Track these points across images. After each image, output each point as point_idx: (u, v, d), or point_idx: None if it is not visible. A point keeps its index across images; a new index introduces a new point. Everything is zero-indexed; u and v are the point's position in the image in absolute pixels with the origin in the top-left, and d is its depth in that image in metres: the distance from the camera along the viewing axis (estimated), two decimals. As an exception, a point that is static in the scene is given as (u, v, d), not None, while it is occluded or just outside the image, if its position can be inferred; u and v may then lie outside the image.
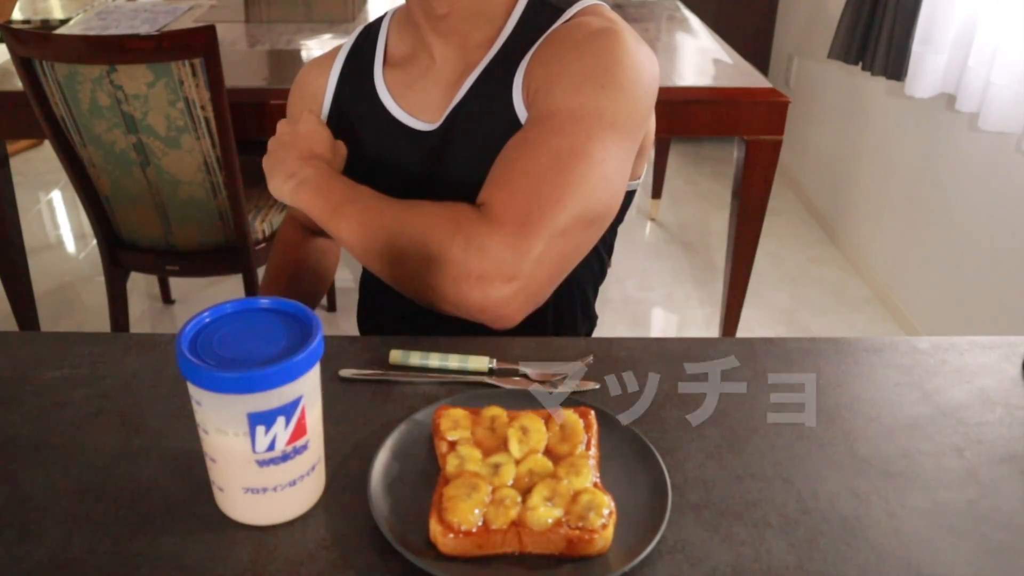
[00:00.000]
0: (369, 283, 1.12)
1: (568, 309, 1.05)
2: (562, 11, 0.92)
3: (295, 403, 0.58)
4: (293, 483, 0.62)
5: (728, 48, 2.20)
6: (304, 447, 0.61)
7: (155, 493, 0.65)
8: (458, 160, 0.93)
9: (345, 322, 2.47)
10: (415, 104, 0.96)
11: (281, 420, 0.58)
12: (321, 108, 1.03)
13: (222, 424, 0.58)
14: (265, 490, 0.61)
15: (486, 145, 0.87)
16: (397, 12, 1.03)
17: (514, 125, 0.88)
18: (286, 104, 1.09)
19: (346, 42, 1.05)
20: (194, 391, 0.58)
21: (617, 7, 2.61)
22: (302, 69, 1.07)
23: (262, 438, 0.58)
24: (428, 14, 0.92)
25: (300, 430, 0.60)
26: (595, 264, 1.06)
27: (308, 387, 0.60)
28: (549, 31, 0.90)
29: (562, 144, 0.79)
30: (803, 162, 3.45)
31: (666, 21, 2.51)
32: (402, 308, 1.01)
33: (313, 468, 0.63)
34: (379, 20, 1.04)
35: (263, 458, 0.59)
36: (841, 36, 2.56)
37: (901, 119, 2.62)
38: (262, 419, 0.58)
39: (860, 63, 2.53)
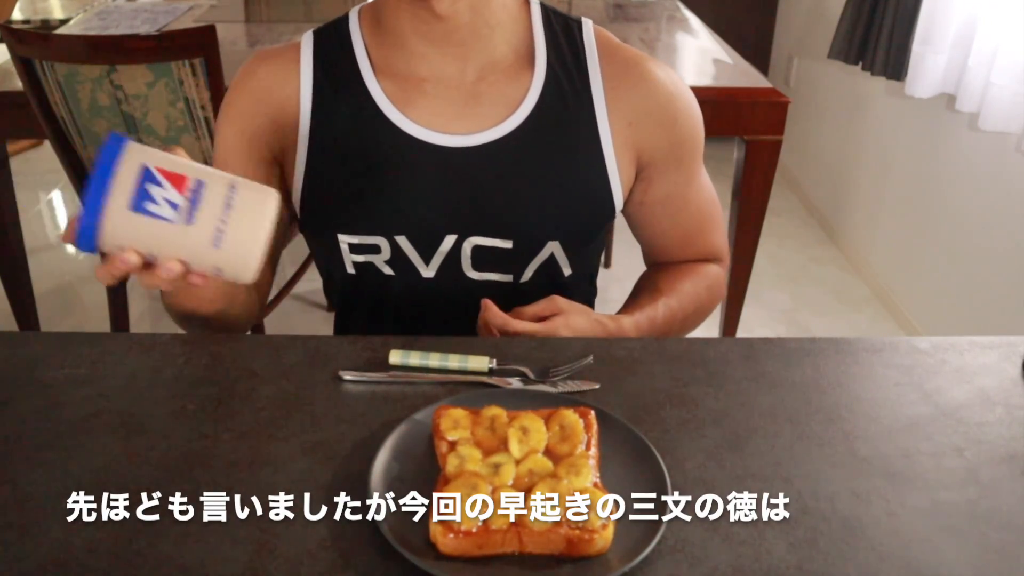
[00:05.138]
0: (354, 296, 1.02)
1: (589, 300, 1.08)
2: (570, 19, 0.94)
3: (148, 172, 0.60)
4: (228, 206, 0.62)
5: (728, 48, 2.20)
6: (199, 185, 0.62)
7: (155, 493, 0.65)
8: (510, 179, 0.90)
9: (345, 322, 2.46)
10: (426, 117, 0.89)
11: (155, 189, 0.60)
12: (288, 119, 0.91)
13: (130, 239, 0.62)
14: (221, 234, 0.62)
15: (551, 171, 0.90)
16: (364, 14, 0.93)
17: (600, 165, 0.91)
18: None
19: (301, 45, 0.92)
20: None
21: (617, 7, 2.61)
22: (249, 69, 0.94)
23: (164, 207, 0.60)
24: (420, 17, 0.84)
25: (177, 179, 0.61)
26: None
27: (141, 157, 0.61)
28: (593, 56, 0.92)
29: (706, 184, 1.02)
30: (803, 162, 3.45)
31: (666, 21, 2.51)
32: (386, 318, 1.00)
33: (233, 189, 0.63)
34: (339, 23, 0.93)
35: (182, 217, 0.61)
36: (841, 36, 2.56)
37: (901, 119, 2.62)
38: (143, 196, 0.60)
39: (860, 63, 2.53)
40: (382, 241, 0.91)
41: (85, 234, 0.61)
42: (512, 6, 0.91)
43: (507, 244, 0.92)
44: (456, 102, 0.90)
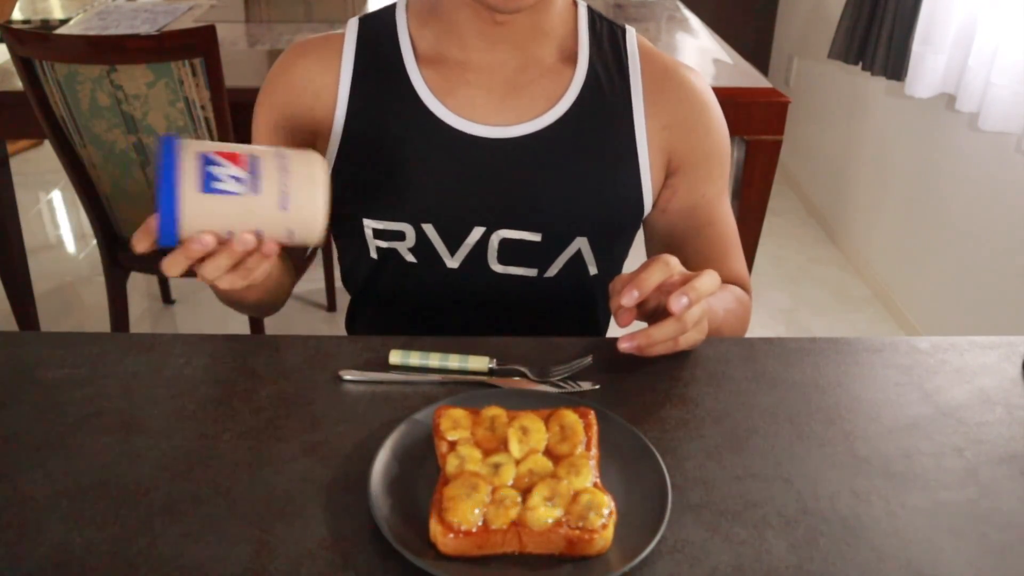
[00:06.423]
0: (369, 294, 1.04)
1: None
2: (615, 25, 0.96)
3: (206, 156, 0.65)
4: (285, 170, 0.67)
5: (728, 48, 2.20)
6: (253, 158, 0.66)
7: (155, 493, 0.65)
8: (545, 172, 0.91)
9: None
10: (466, 107, 0.91)
11: (218, 169, 0.65)
12: (324, 106, 0.92)
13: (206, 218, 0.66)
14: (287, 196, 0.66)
15: (585, 167, 0.91)
16: (411, 3, 0.94)
17: (633, 166, 0.92)
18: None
19: (345, 35, 0.94)
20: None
21: (617, 7, 2.61)
22: (287, 61, 0.94)
23: (230, 183, 0.65)
24: (482, 18, 0.86)
25: (233, 157, 0.66)
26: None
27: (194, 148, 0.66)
28: (635, 61, 0.94)
29: (730, 214, 1.03)
30: (803, 162, 3.45)
31: (666, 21, 2.51)
32: (402, 317, 1.00)
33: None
34: (384, 13, 0.95)
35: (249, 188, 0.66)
36: (841, 36, 2.56)
37: (901, 119, 2.62)
38: (210, 177, 0.64)
39: (860, 63, 2.53)
40: (408, 228, 0.92)
41: (166, 226, 0.65)
42: (562, 7, 0.93)
43: (536, 237, 0.92)
44: (497, 94, 0.91)
